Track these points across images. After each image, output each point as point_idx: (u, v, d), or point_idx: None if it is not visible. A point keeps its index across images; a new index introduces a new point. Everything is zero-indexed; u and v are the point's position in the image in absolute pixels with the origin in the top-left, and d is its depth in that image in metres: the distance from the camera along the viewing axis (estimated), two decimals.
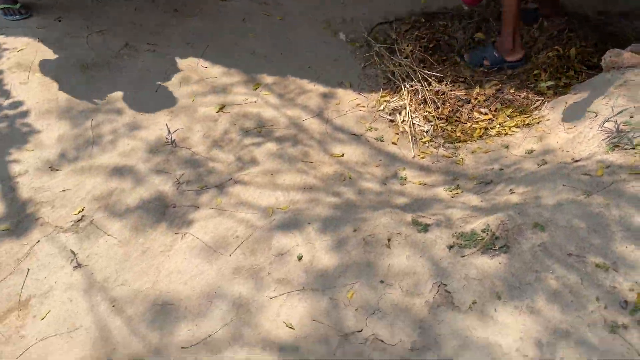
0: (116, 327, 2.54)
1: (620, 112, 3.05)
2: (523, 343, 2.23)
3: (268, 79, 4.25)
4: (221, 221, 3.03)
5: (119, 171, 3.41)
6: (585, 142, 3.13)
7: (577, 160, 3.05)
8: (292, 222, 2.93)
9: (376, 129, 3.82)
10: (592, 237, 2.51)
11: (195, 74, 4.25)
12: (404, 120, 3.82)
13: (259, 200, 3.18)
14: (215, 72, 4.28)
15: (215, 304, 2.58)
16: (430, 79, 3.97)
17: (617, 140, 2.96)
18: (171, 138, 3.59)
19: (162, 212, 3.15)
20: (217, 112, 3.89)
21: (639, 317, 2.24)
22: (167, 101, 3.94)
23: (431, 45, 4.34)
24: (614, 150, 2.94)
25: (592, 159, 2.97)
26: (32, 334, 2.55)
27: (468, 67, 4.19)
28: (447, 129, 3.76)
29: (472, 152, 3.56)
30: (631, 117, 3.04)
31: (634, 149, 2.88)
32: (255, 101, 4.01)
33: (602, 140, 3.04)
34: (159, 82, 4.10)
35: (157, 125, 3.76)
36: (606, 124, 3.06)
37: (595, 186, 2.75)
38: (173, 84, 4.10)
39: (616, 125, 3.01)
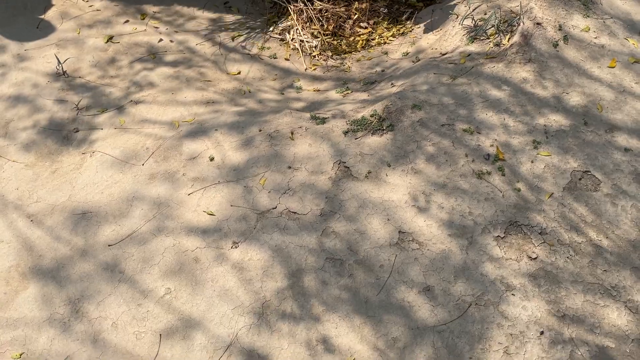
0: (38, 237, 2.61)
1: (476, 9, 3.55)
2: (410, 196, 2.66)
3: (154, 9, 4.26)
4: (128, 137, 3.13)
5: (14, 100, 3.33)
6: (450, 38, 3.61)
7: (444, 54, 3.52)
8: (199, 130, 3.12)
9: (269, 48, 4.04)
10: (459, 110, 2.98)
11: (75, 8, 4.14)
12: (293, 38, 4.07)
13: (163, 116, 3.30)
14: (97, 5, 4.20)
15: (135, 205, 2.73)
16: None
17: (475, 34, 3.46)
18: (62, 68, 3.54)
19: (65, 135, 3.17)
20: (106, 42, 3.88)
21: (499, 165, 2.76)
22: (51, 35, 3.84)
23: None
24: (473, 42, 3.44)
25: (456, 51, 3.46)
26: None
27: None
28: (333, 43, 4.07)
29: (357, 61, 3.92)
30: (485, 14, 3.55)
31: (488, 38, 3.40)
32: (145, 30, 4.03)
33: (463, 35, 3.53)
34: (39, 17, 3.96)
35: (45, 58, 3.67)
36: (465, 22, 3.55)
37: (460, 71, 3.23)
38: (53, 19, 3.98)
39: (474, 22, 3.50)
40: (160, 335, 2.26)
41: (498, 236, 2.52)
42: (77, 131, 3.20)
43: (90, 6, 4.15)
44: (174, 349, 2.23)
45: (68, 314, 2.33)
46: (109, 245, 2.56)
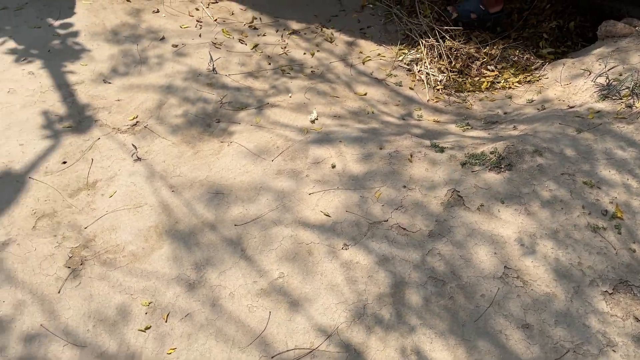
0: (177, 205, 2.96)
1: (611, 68, 3.57)
2: (520, 235, 2.73)
3: (298, 26, 4.66)
4: (262, 134, 3.46)
5: (167, 88, 3.79)
6: (580, 93, 3.64)
7: (571, 107, 3.55)
8: (325, 139, 3.38)
9: (395, 76, 4.27)
10: (581, 163, 3.02)
11: (228, 14, 4.63)
12: (420, 70, 4.28)
13: (295, 121, 3.61)
14: (249, 15, 4.67)
15: (262, 194, 3.02)
16: (445, 36, 4.43)
17: (607, 92, 3.47)
18: (213, 66, 3.98)
19: (208, 124, 3.56)
20: (252, 49, 4.29)
21: (616, 223, 2.75)
22: (207, 35, 4.32)
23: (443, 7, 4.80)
24: (604, 100, 3.45)
25: (584, 106, 3.49)
26: (102, 207, 2.94)
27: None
28: (458, 81, 4.23)
29: (480, 100, 4.05)
30: (620, 75, 3.55)
31: (621, 99, 3.40)
32: (288, 43, 4.42)
33: (594, 92, 3.55)
34: (197, 18, 4.47)
35: (199, 54, 4.14)
36: (598, 79, 3.57)
37: (586, 126, 3.26)
38: (210, 22, 4.48)
39: (607, 80, 3.52)
40: (270, 312, 2.49)
41: (606, 291, 2.52)
42: (219, 122, 3.58)
43: (245, 11, 4.61)
44: (279, 327, 2.44)
45: (194, 276, 2.63)
46: (235, 225, 2.85)
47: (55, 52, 4.01)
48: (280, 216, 2.89)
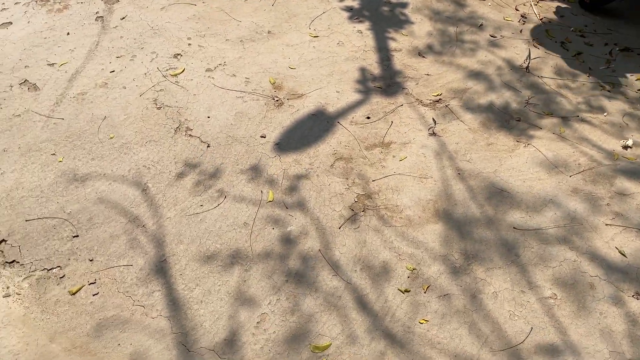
0: (459, 189, 2.96)
1: None
2: None
3: (628, 43, 4.15)
4: (563, 146, 3.21)
5: (475, 75, 3.78)
6: None
7: None
8: (637, 171, 2.97)
9: None
10: None
11: (556, 15, 4.35)
12: None
13: (604, 143, 3.25)
14: (578, 21, 4.32)
15: (550, 207, 2.82)
16: None
17: None
18: (528, 63, 3.81)
19: (507, 120, 3.44)
20: (573, 56, 3.97)
21: None
22: (528, 32, 4.15)
23: None
24: None
25: None
26: (391, 167, 3.11)
27: None
28: None
29: None
30: None
31: None
32: (614, 59, 3.97)
33: None
34: (522, 13, 4.30)
35: (515, 49, 4.00)
36: None
37: None
38: (534, 20, 4.28)
39: None
40: (532, 328, 2.34)
41: None
42: (519, 120, 3.43)
43: (576, 16, 4.29)
44: (539, 346, 2.28)
45: (460, 262, 2.61)
46: (513, 228, 2.73)
47: (382, 18, 4.32)
48: (565, 236, 2.67)
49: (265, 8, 4.36)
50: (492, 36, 4.14)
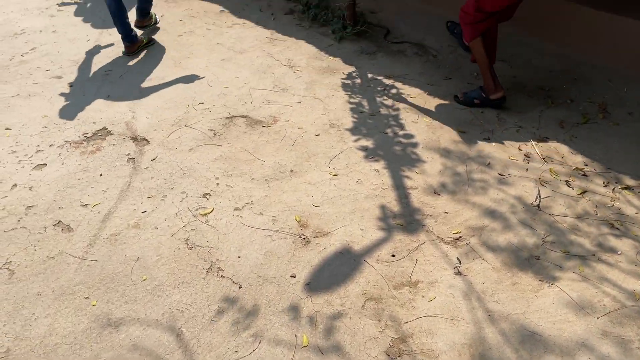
0: (491, 332, 2.99)
1: None
2: None
3: (630, 182, 4.43)
4: (586, 286, 3.31)
5: (490, 212, 3.97)
6: None
7: None
8: None
9: None
10: None
11: (557, 155, 4.68)
12: None
13: (624, 283, 3.36)
14: (577, 160, 4.65)
15: (583, 351, 2.85)
16: None
17: None
18: (539, 202, 4.04)
19: (527, 258, 3.57)
20: (579, 194, 4.23)
21: None
22: (533, 171, 4.44)
23: None
24: None
25: None
26: (421, 308, 3.17)
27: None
28: None
29: None
30: None
31: None
32: (618, 197, 4.23)
33: None
34: (525, 152, 4.64)
35: (524, 188, 4.26)
36: None
37: None
38: (537, 159, 4.60)
39: None
40: None
41: None
42: (538, 259, 3.56)
43: (575, 155, 4.62)
44: None
45: None
46: None
47: (396, 157, 4.62)
48: None
49: (286, 148, 4.65)
50: (500, 174, 4.41)
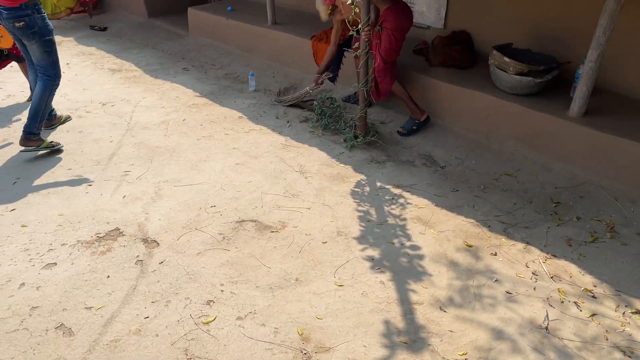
0: None
1: None
2: None
3: None
4: None
5: (498, 333, 3.88)
6: None
7: None
8: None
9: None
10: None
11: (565, 274, 4.64)
12: None
13: None
14: (586, 280, 4.60)
15: None
16: None
17: None
18: (547, 323, 3.95)
19: None
20: (588, 317, 4.13)
21: None
22: (541, 290, 4.38)
23: None
24: None
25: None
26: None
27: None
28: None
29: None
30: None
31: None
32: (627, 322, 4.12)
33: None
34: (533, 270, 4.61)
35: (532, 307, 4.18)
36: None
37: None
38: (545, 277, 4.56)
39: None
40: None
41: None
42: None
43: (583, 275, 4.56)
44: None
45: None
46: None
47: (402, 269, 4.61)
48: None
49: (292, 255, 4.68)
50: (508, 292, 4.36)
